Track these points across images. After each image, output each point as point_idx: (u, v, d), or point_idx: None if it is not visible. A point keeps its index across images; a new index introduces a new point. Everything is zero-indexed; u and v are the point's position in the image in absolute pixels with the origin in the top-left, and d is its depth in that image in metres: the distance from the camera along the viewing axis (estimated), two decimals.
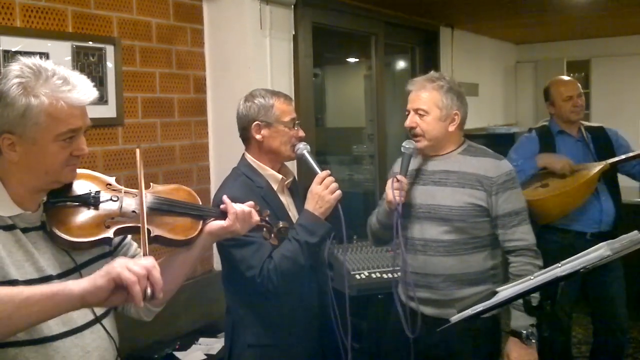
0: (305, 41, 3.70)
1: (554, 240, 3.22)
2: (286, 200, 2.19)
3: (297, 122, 2.17)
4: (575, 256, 1.63)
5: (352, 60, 6.82)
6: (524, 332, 2.14)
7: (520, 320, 2.16)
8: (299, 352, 2.14)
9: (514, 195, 2.22)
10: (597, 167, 3.15)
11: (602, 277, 3.19)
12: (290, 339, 2.12)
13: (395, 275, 2.48)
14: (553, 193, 3.16)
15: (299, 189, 2.34)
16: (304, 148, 2.14)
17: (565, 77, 3.56)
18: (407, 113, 2.30)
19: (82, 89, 1.36)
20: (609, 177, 3.23)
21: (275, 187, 2.15)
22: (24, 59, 1.36)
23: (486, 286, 2.19)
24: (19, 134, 1.31)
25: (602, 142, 3.32)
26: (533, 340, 2.16)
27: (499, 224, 2.21)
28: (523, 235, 2.21)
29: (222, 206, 1.61)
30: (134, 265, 1.22)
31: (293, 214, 2.18)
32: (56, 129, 1.33)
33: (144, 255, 1.33)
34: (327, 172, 2.10)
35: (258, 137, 2.12)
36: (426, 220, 2.25)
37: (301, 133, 2.16)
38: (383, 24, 4.62)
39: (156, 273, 1.24)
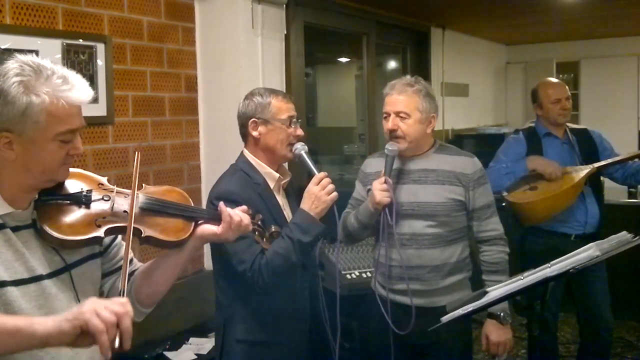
0: (297, 40, 3.70)
1: (539, 242, 3.25)
2: (282, 200, 2.19)
3: (295, 120, 2.17)
4: (565, 256, 1.65)
5: (343, 60, 6.83)
6: (501, 313, 2.30)
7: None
8: (288, 350, 2.14)
9: (486, 190, 2.41)
10: (584, 171, 3.18)
11: (586, 277, 3.22)
12: (280, 336, 2.13)
13: (370, 274, 2.54)
14: (542, 196, 3.17)
15: (294, 190, 2.35)
16: (301, 148, 2.15)
17: (554, 80, 3.57)
18: (385, 116, 2.37)
19: (81, 89, 1.35)
20: (593, 180, 3.27)
21: (272, 185, 2.16)
22: (21, 57, 1.35)
23: (463, 274, 2.39)
24: (18, 133, 1.30)
25: (587, 145, 3.35)
26: (509, 320, 2.33)
27: (475, 217, 2.38)
28: (495, 225, 2.41)
29: (218, 207, 1.60)
30: (105, 310, 1.17)
31: (287, 213, 2.19)
32: (56, 128, 1.32)
33: (122, 288, 1.30)
34: (325, 173, 2.13)
35: (255, 134, 2.14)
36: (411, 217, 2.33)
37: (299, 132, 2.17)
38: (374, 24, 4.63)
39: (127, 320, 1.18)
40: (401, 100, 2.32)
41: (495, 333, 2.33)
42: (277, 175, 2.17)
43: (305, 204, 2.08)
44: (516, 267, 3.20)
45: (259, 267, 1.99)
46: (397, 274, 2.34)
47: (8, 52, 2.41)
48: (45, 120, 1.30)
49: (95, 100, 2.78)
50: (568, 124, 3.41)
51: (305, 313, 2.21)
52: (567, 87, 3.44)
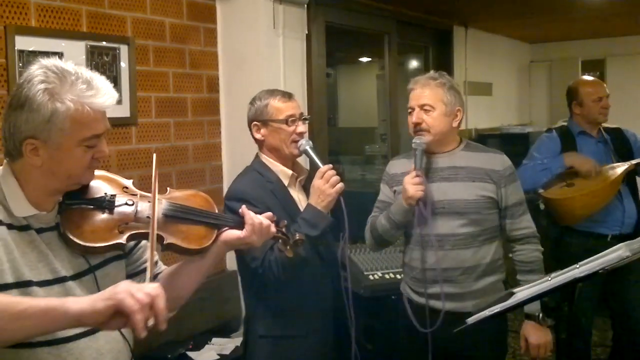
0: (319, 40, 3.69)
1: (575, 243, 3.17)
2: (298, 196, 2.22)
3: (294, 118, 2.19)
4: (594, 257, 1.61)
5: (364, 59, 6.81)
6: (538, 314, 2.24)
7: (533, 303, 2.21)
8: (312, 343, 2.17)
9: (517, 187, 2.34)
10: (621, 168, 3.11)
11: (622, 279, 3.14)
12: (302, 330, 2.15)
13: (393, 275, 2.50)
14: (580, 192, 3.11)
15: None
16: (306, 144, 2.18)
17: (592, 78, 3.50)
18: (410, 111, 2.35)
19: (106, 93, 1.36)
20: (629, 179, 3.20)
21: (286, 182, 2.20)
22: (44, 61, 1.35)
23: (497, 276, 2.31)
24: (43, 139, 1.31)
25: (621, 143, 3.29)
26: (547, 321, 2.25)
27: (508, 214, 2.32)
28: (528, 223, 2.35)
29: (240, 211, 1.59)
30: (138, 292, 1.18)
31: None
32: (81, 134, 1.33)
33: (150, 279, 1.30)
34: (329, 166, 2.14)
35: (258, 136, 2.21)
36: (441, 215, 2.27)
37: (300, 129, 2.19)
38: (396, 23, 4.60)
39: (160, 302, 1.19)
40: (425, 94, 2.29)
41: (535, 335, 2.27)
42: (290, 172, 2.21)
43: (312, 199, 2.12)
44: (551, 268, 3.15)
45: (269, 263, 2.02)
46: (429, 277, 2.28)
47: (33, 55, 2.44)
48: (70, 126, 1.30)
49: (118, 101, 2.79)
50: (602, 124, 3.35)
51: (328, 307, 2.24)
52: (605, 85, 3.37)
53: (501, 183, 2.28)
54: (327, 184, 2.10)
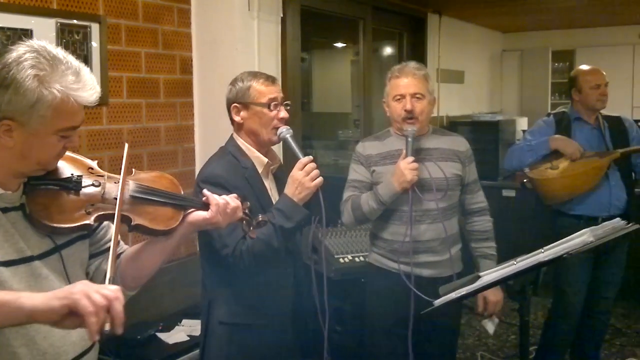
0: (294, 24, 3.68)
1: (566, 225, 3.24)
2: (269, 185, 2.19)
3: (277, 103, 2.13)
4: (559, 242, 1.66)
5: (339, 45, 6.80)
6: None
7: (489, 267, 2.41)
8: (270, 333, 2.14)
9: (475, 166, 2.64)
10: (607, 155, 3.22)
11: (611, 265, 3.30)
12: (262, 320, 2.12)
13: (363, 258, 2.64)
14: (561, 175, 3.24)
15: (284, 174, 2.32)
16: (286, 132, 2.12)
17: (591, 67, 3.57)
18: (398, 98, 2.47)
19: (91, 88, 1.35)
20: (623, 165, 3.29)
21: (260, 170, 2.15)
22: (35, 43, 1.33)
23: (459, 245, 2.60)
24: (22, 123, 1.30)
25: (618, 132, 3.38)
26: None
27: (468, 190, 2.60)
28: (482, 198, 2.65)
29: (204, 199, 1.59)
30: (95, 293, 1.15)
31: (275, 199, 2.17)
32: (60, 124, 1.32)
33: (110, 277, 1.28)
34: (310, 157, 2.09)
35: (237, 118, 2.15)
36: (422, 192, 2.43)
37: (282, 114, 2.13)
38: (371, 9, 4.61)
39: (118, 305, 1.17)
40: (415, 83, 2.46)
41: (493, 294, 2.52)
42: (266, 160, 2.16)
43: (289, 190, 2.06)
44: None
45: (241, 253, 1.99)
46: (414, 248, 2.45)
47: (2, 31, 2.39)
48: (51, 115, 1.30)
49: None
50: (601, 111, 3.43)
51: (288, 297, 2.20)
52: (604, 73, 3.45)
53: (465, 162, 2.55)
54: (307, 176, 2.05)
